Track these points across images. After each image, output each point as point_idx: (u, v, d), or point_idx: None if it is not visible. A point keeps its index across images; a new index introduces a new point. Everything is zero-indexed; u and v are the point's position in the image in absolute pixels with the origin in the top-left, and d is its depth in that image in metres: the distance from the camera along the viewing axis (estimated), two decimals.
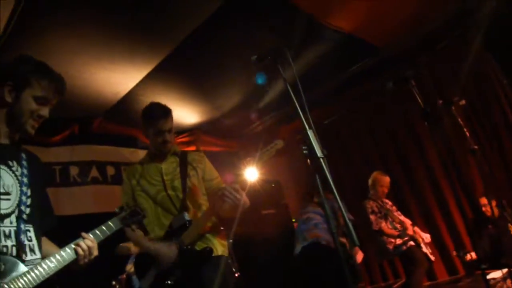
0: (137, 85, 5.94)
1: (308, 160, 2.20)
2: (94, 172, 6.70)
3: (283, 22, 5.25)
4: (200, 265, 3.31)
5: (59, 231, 2.54)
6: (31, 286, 2.13)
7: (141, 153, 7.22)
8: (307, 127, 2.18)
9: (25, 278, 2.12)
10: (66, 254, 2.29)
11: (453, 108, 4.44)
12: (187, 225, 3.37)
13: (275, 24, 5.26)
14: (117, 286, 5.03)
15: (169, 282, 3.23)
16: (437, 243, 7.07)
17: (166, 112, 3.60)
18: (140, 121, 3.68)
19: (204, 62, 5.82)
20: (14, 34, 4.39)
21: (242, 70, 6.11)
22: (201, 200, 3.63)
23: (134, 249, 5.43)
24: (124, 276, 5.09)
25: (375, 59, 6.60)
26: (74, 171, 6.52)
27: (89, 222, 2.51)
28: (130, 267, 5.49)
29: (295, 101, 2.25)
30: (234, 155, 8.43)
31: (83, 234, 2.37)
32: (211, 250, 3.38)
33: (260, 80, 3.38)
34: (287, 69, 2.42)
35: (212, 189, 3.67)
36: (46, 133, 6.22)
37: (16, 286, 2.09)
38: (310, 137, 2.17)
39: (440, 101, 4.34)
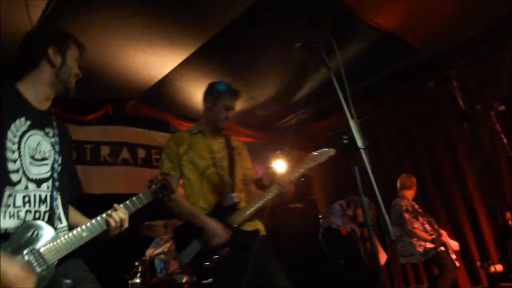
0: (173, 70, 5.97)
1: (347, 152, 2.17)
2: (125, 154, 6.77)
3: (324, 16, 5.19)
4: (249, 245, 3.29)
5: (87, 209, 2.55)
6: (62, 254, 2.16)
7: None
8: (349, 117, 2.15)
9: (57, 245, 2.16)
10: (97, 224, 2.31)
11: (491, 113, 4.34)
12: (236, 206, 3.40)
13: (315, 17, 5.21)
14: (140, 267, 5.06)
15: (215, 257, 3.18)
16: (462, 251, 6.94)
17: (238, 93, 3.72)
18: (210, 90, 3.74)
19: (242, 52, 5.80)
20: (54, 13, 4.42)
21: (279, 63, 6.09)
22: (241, 185, 3.67)
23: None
24: (147, 257, 5.14)
25: (413, 60, 6.50)
26: (105, 151, 6.60)
27: (117, 202, 2.48)
28: (151, 251, 5.55)
29: (338, 90, 2.21)
30: (263, 147, 8.41)
31: (116, 205, 2.39)
32: (259, 232, 3.43)
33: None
34: (331, 59, 2.39)
35: (247, 179, 3.76)
36: (79, 111, 6.31)
37: (48, 253, 2.12)
38: (352, 127, 2.14)
39: (479, 106, 4.23)
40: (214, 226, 3.23)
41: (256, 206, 3.42)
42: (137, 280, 4.89)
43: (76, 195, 2.64)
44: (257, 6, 4.85)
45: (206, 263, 3.16)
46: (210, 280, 3.25)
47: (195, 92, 6.62)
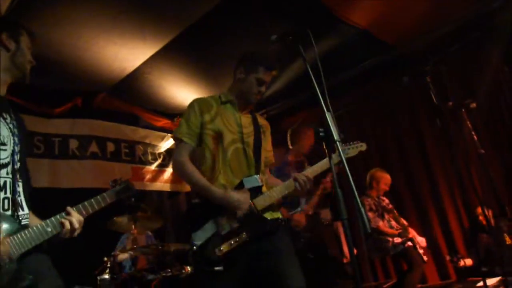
0: (145, 63, 5.89)
1: (324, 143, 2.15)
2: (94, 147, 6.68)
3: (299, 12, 5.18)
4: (269, 233, 3.07)
5: (55, 203, 2.50)
6: (26, 248, 2.14)
7: (143, 132, 7.23)
8: (325, 109, 2.13)
9: (20, 239, 2.13)
10: (57, 222, 2.28)
11: (463, 110, 4.40)
12: (259, 190, 3.16)
13: (290, 13, 5.21)
14: (109, 263, 5.00)
15: (232, 242, 2.95)
16: (431, 246, 7.02)
17: (276, 66, 3.38)
18: (244, 59, 3.41)
19: (214, 47, 5.76)
20: (23, 3, 4.29)
21: None
22: (264, 167, 3.45)
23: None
24: (117, 253, 5.09)
25: (386, 57, 6.55)
26: (73, 144, 6.51)
27: (85, 196, 2.49)
28: (120, 247, 5.49)
29: (314, 82, 2.19)
30: None
31: (68, 208, 2.35)
32: (281, 221, 3.19)
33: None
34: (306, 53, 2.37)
35: (266, 161, 3.52)
36: (48, 104, 6.22)
37: (11, 246, 2.09)
38: (328, 119, 2.13)
39: (451, 103, 4.28)
40: (233, 196, 3.02)
41: (279, 195, 3.18)
42: (106, 276, 4.83)
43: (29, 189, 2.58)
44: (231, 1, 4.83)
45: (220, 248, 2.93)
46: (220, 268, 2.93)
47: (166, 86, 6.58)
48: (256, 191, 3.13)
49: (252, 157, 3.28)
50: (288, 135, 5.99)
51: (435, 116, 3.62)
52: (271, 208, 3.19)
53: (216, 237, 2.97)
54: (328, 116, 2.13)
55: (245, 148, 3.28)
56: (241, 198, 3.02)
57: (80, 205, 2.41)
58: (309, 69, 2.25)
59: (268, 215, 3.15)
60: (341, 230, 6.42)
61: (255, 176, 3.19)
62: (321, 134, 2.17)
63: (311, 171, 3.24)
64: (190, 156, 3.24)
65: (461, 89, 6.29)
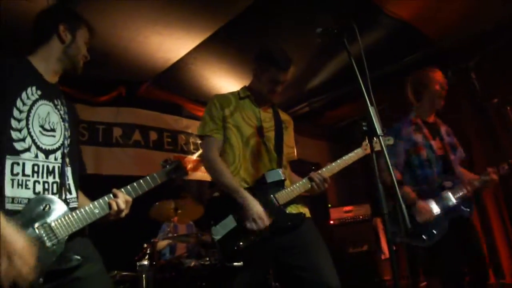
0: (189, 53, 5.95)
1: (366, 137, 2.13)
2: (137, 136, 6.77)
3: (343, 4, 5.14)
4: (291, 228, 3.02)
5: (97, 189, 2.54)
6: (73, 229, 2.19)
7: (185, 122, 7.28)
8: (369, 103, 2.11)
9: (68, 221, 2.18)
10: (105, 203, 2.32)
11: (508, 108, 4.29)
12: (282, 184, 3.11)
13: (333, 5, 5.16)
14: (148, 249, 5.07)
15: (252, 237, 2.91)
16: None
17: (289, 66, 3.32)
18: (258, 56, 3.38)
19: (258, 37, 5.74)
20: None
21: (295, 49, 6.03)
22: (286, 162, 3.40)
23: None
24: (156, 240, 5.15)
25: (429, 51, 6.42)
26: (117, 132, 6.62)
27: (127, 183, 2.48)
28: (159, 241, 5.55)
29: (358, 76, 2.17)
30: None
31: (115, 190, 2.39)
32: (304, 216, 3.12)
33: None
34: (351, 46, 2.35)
35: (288, 157, 3.48)
36: (93, 92, 6.35)
37: (60, 228, 2.14)
38: (372, 114, 2.11)
39: (496, 100, 4.18)
40: (257, 209, 2.91)
41: (300, 191, 3.12)
42: (145, 262, 4.89)
43: (81, 171, 2.64)
44: None
45: (240, 243, 2.88)
46: (240, 263, 2.94)
47: (209, 76, 6.62)
48: (278, 185, 3.10)
49: (273, 152, 3.25)
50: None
51: (479, 113, 3.54)
52: (295, 201, 3.16)
53: (235, 232, 2.94)
54: (372, 110, 2.12)
55: (265, 142, 3.25)
56: (261, 214, 2.91)
57: (129, 186, 2.44)
58: (354, 62, 2.23)
59: (293, 209, 3.14)
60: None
61: (278, 170, 3.15)
62: (364, 128, 2.15)
63: (330, 168, 3.20)
64: (219, 151, 3.23)
65: (507, 86, 6.11)
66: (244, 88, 3.47)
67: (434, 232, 3.65)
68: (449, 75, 3.74)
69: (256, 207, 2.91)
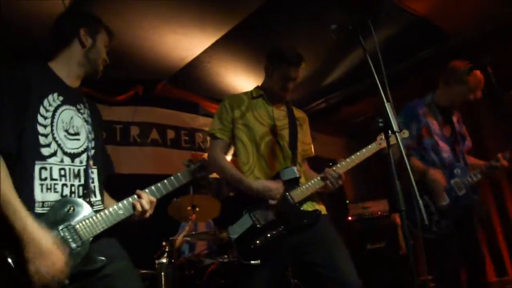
0: (204, 51, 5.97)
1: (383, 134, 2.12)
2: (154, 134, 6.81)
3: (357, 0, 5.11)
4: (307, 225, 3.03)
5: (116, 188, 2.57)
6: (98, 231, 2.21)
7: (202, 120, 7.31)
8: (385, 100, 2.11)
9: (92, 222, 2.21)
10: (129, 204, 2.35)
11: None
12: (297, 181, 3.11)
13: (348, 0, 5.13)
14: (167, 247, 5.09)
15: (268, 235, 2.94)
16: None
17: (300, 61, 3.29)
18: (268, 55, 3.40)
19: (272, 34, 5.72)
20: None
21: (309, 46, 6.03)
22: (301, 160, 3.40)
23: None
24: (175, 238, 5.18)
25: (445, 46, 6.36)
26: (134, 131, 6.65)
27: (145, 182, 2.51)
28: (178, 239, 5.58)
29: (374, 72, 2.16)
30: None
31: (139, 191, 2.41)
32: (320, 213, 3.10)
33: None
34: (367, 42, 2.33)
35: (304, 154, 3.49)
36: (110, 92, 6.39)
37: (84, 229, 2.17)
38: (388, 110, 2.11)
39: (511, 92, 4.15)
40: (262, 182, 3.01)
41: (315, 188, 3.12)
42: (164, 260, 4.92)
43: (109, 171, 2.68)
44: None
45: (257, 242, 2.91)
46: (257, 261, 2.88)
47: (225, 75, 6.64)
48: (293, 183, 3.10)
49: (288, 149, 3.25)
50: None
51: (494, 106, 3.52)
52: (311, 199, 3.16)
53: (251, 230, 2.95)
54: (388, 107, 2.11)
55: (278, 141, 3.25)
56: (273, 186, 2.98)
57: (153, 187, 2.47)
58: (369, 59, 2.22)
59: (309, 206, 3.14)
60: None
61: (293, 167, 3.14)
62: (380, 124, 2.15)
63: (344, 165, 3.18)
64: (224, 151, 3.27)
65: None
66: (257, 88, 3.50)
67: (447, 222, 3.64)
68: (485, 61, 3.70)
69: (263, 183, 3.00)
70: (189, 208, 5.40)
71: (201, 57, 6.11)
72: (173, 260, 4.94)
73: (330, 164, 3.23)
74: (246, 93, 3.48)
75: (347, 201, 7.92)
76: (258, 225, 2.97)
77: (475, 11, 5.69)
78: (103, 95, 6.28)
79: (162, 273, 4.74)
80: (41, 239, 1.92)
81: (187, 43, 5.73)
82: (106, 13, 4.82)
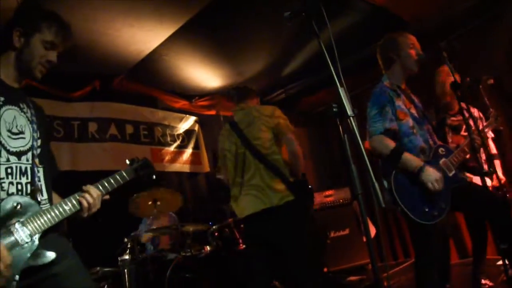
0: (161, 44, 5.92)
1: (337, 120, 2.13)
2: (113, 130, 6.75)
3: None
4: None
5: (75, 186, 2.54)
6: (46, 226, 2.20)
7: (161, 114, 7.26)
8: (338, 85, 2.11)
9: (40, 218, 2.19)
10: (75, 201, 2.34)
11: (480, 86, 4.33)
12: None
13: None
14: (129, 243, 5.05)
15: None
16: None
17: None
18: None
19: (230, 25, 5.75)
20: None
21: (268, 36, 6.03)
22: None
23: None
24: (137, 233, 5.14)
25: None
26: (92, 127, 6.58)
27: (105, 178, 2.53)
28: (140, 235, 5.54)
29: (327, 58, 2.16)
30: None
31: (86, 187, 2.40)
32: None
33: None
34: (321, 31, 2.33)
35: None
36: (67, 88, 6.29)
37: (32, 225, 2.15)
38: (342, 95, 2.11)
39: (468, 78, 4.18)
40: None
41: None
42: (126, 257, 4.88)
43: (54, 173, 2.65)
44: None
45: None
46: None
47: (184, 67, 6.59)
48: None
49: None
50: None
51: (453, 90, 3.55)
52: None
53: None
54: (341, 92, 2.11)
55: None
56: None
57: (98, 183, 2.46)
58: (323, 46, 2.22)
59: None
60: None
61: None
62: (334, 109, 2.16)
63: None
64: None
65: (478, 66, 6.14)
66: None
67: (443, 206, 3.39)
68: (422, 56, 3.73)
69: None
70: (150, 203, 5.37)
71: (158, 50, 6.05)
72: (135, 256, 4.90)
73: None
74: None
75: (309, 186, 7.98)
76: None
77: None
78: (60, 91, 6.19)
79: (125, 270, 4.71)
80: None
81: (143, 36, 5.66)
82: (61, 8, 4.68)
